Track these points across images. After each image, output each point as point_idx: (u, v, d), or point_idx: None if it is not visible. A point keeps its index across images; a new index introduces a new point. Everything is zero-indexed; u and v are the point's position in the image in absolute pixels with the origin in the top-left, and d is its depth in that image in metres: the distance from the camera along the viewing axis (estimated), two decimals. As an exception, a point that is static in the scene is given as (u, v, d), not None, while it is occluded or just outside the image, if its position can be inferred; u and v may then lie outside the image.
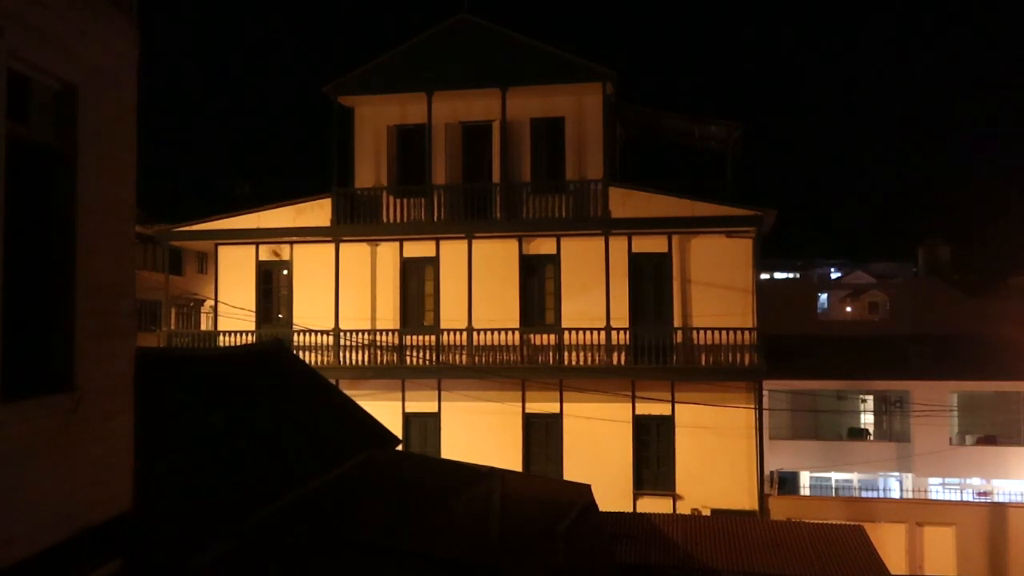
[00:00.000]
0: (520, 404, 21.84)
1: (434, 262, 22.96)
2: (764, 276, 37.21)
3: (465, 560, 7.92)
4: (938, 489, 28.76)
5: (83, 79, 5.33)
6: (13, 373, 4.73)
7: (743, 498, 20.64)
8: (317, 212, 23.12)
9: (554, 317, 22.23)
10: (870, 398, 31.78)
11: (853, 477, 29.83)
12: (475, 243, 22.32)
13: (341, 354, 22.38)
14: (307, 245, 23.52)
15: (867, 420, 32.31)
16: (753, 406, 20.94)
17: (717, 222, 21.33)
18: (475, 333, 21.79)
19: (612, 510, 16.74)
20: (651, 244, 21.90)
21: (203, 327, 32.22)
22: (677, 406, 21.17)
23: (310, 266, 23.44)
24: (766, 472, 22.07)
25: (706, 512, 20.23)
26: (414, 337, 22.43)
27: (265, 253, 23.93)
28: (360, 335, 22.49)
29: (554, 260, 22.40)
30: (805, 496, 27.84)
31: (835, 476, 30.11)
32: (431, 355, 22.18)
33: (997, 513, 22.13)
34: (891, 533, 21.54)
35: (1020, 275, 46.52)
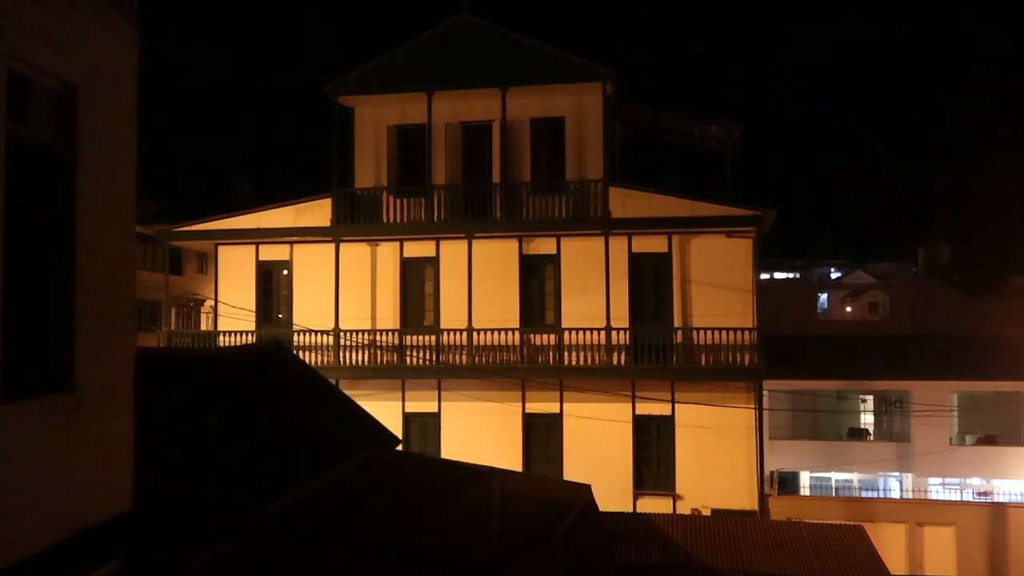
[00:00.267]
0: (520, 404, 21.85)
1: (434, 262, 22.96)
2: (764, 276, 37.28)
3: (465, 560, 7.93)
4: (938, 489, 28.77)
5: (83, 79, 5.33)
6: (13, 373, 4.72)
7: (743, 498, 20.65)
8: (317, 212, 23.13)
9: (554, 317, 22.23)
10: (870, 398, 31.78)
11: (853, 477, 29.84)
12: (475, 243, 22.33)
13: (341, 354, 22.38)
14: (307, 245, 23.53)
15: (867, 420, 32.32)
16: (753, 406, 20.95)
17: (717, 222, 21.35)
18: (475, 333, 21.79)
19: (612, 510, 16.76)
20: (651, 244, 21.91)
21: (203, 327, 32.28)
22: (677, 406, 21.17)
23: (310, 266, 23.45)
24: (766, 472, 22.07)
25: (706, 512, 20.23)
26: (414, 337, 22.43)
27: (266, 252, 23.94)
28: (360, 335, 22.49)
29: (554, 260, 22.40)
30: (805, 496, 27.84)
31: (835, 476, 30.11)
32: (431, 355, 22.18)
33: (997, 513, 22.14)
34: (891, 533, 21.55)
35: (1020, 275, 46.50)
